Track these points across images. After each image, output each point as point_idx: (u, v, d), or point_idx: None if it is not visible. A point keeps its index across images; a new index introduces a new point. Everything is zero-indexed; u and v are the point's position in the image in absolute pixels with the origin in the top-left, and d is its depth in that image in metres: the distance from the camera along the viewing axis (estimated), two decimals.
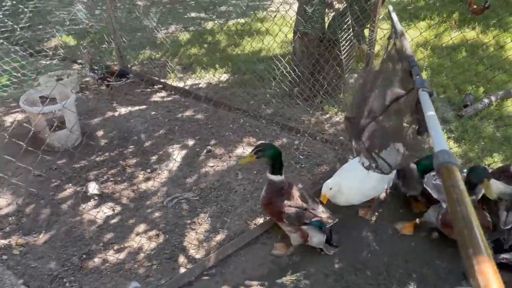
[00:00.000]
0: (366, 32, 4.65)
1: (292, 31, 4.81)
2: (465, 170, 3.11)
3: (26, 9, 5.82)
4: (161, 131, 4.54)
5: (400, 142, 2.09)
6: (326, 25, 4.71)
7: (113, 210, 3.48)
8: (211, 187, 3.72)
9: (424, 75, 5.71)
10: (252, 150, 2.73)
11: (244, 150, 4.12)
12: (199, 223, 3.34)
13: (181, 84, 5.62)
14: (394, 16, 2.25)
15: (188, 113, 4.94)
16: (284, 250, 3.09)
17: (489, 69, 5.76)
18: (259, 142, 2.67)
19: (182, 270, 2.91)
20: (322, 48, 4.44)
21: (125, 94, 5.33)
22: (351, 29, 3.76)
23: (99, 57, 6.39)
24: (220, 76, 5.81)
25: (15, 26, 5.19)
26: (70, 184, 3.76)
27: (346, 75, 4.27)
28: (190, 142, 4.36)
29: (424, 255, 3.08)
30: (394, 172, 3.34)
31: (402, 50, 2.00)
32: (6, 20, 5.13)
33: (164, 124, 4.67)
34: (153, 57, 6.43)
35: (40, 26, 7.22)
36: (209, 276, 2.91)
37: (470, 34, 6.67)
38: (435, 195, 3.10)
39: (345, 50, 3.99)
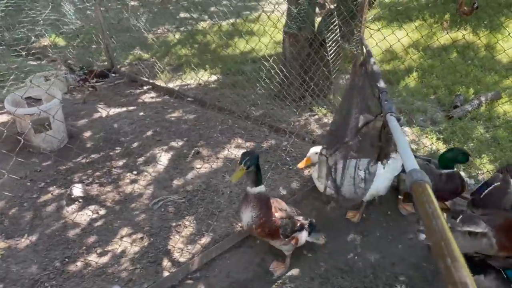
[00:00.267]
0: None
1: (282, 32, 4.78)
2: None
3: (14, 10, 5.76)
4: (148, 133, 4.50)
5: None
6: (316, 26, 4.69)
7: (98, 213, 3.42)
8: (198, 189, 3.67)
9: (414, 75, 5.70)
10: (240, 162, 2.42)
11: (232, 152, 4.09)
12: (184, 226, 3.30)
13: (170, 85, 5.58)
14: (364, 41, 2.28)
15: (176, 114, 4.90)
16: (283, 266, 2.96)
17: (479, 70, 5.76)
18: (242, 152, 2.52)
19: (166, 274, 2.87)
20: (311, 49, 4.41)
21: (113, 95, 5.28)
22: (338, 30, 3.73)
23: (88, 57, 6.34)
24: (210, 76, 5.77)
25: (2, 27, 5.13)
26: (55, 187, 3.71)
27: (333, 76, 4.25)
28: (178, 144, 4.31)
29: (411, 257, 3.05)
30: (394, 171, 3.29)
31: (373, 76, 2.03)
32: None
33: (152, 125, 4.62)
34: (142, 57, 6.38)
35: (30, 27, 7.16)
36: (193, 280, 2.87)
37: (461, 35, 6.66)
38: None
39: (332, 51, 3.96)
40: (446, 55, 6.16)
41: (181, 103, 5.07)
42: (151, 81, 5.62)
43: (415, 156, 3.19)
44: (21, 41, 6.24)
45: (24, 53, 5.93)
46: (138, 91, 5.51)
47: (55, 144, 4.19)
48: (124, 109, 4.98)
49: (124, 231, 3.24)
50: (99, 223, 3.32)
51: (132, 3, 8.95)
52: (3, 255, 3.02)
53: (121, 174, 3.88)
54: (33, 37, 6.80)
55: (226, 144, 4.27)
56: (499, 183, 2.82)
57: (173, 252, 3.06)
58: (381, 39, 3.68)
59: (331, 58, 3.98)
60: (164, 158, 4.06)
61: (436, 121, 4.73)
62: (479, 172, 3.84)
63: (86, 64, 5.43)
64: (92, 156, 4.12)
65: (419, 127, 4.61)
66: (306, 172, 3.91)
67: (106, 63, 6.02)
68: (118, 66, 6.05)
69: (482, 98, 4.95)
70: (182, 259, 3.00)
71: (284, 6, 4.68)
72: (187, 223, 3.32)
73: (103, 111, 4.88)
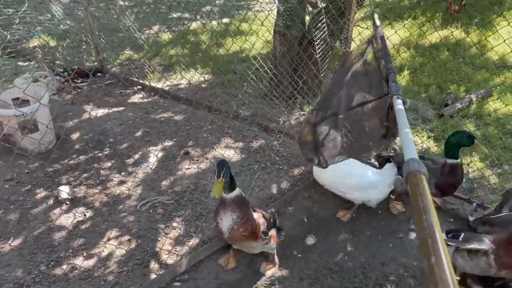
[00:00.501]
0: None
1: (273, 30, 4.75)
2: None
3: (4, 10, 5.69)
4: (137, 133, 4.45)
5: (370, 141, 2.08)
6: (307, 24, 4.66)
7: (85, 215, 3.38)
8: (187, 190, 3.64)
9: (405, 74, 5.69)
10: (219, 175, 2.33)
11: (222, 152, 4.05)
12: (172, 227, 3.26)
13: (160, 85, 5.54)
14: (376, 19, 2.21)
15: (166, 114, 4.85)
16: (273, 265, 2.93)
17: (470, 67, 5.76)
18: (217, 163, 2.44)
19: (153, 276, 2.83)
20: (300, 48, 4.38)
21: (103, 95, 5.23)
22: (326, 28, 3.71)
23: (78, 58, 6.28)
24: (201, 76, 5.74)
25: None
26: (42, 189, 3.66)
27: (322, 75, 4.22)
28: (167, 144, 4.27)
29: (401, 257, 3.03)
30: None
31: (380, 55, 1.98)
32: None
33: (141, 126, 4.58)
34: (133, 57, 6.33)
35: (20, 27, 7.08)
36: (181, 282, 2.83)
37: (451, 32, 6.66)
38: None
39: (320, 49, 3.93)
40: (437, 53, 6.15)
41: (171, 103, 5.03)
42: (141, 81, 5.57)
43: None
44: (10, 43, 6.19)
45: (13, 55, 5.89)
46: (128, 91, 5.46)
47: (42, 146, 4.14)
48: (113, 109, 4.94)
49: (111, 233, 3.19)
50: (86, 225, 3.28)
51: (122, 2, 8.90)
52: None
53: (109, 175, 3.83)
54: (11, 38, 6.74)
55: (215, 144, 4.24)
56: None
57: (160, 254, 3.02)
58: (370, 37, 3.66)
59: (320, 57, 3.95)
60: (153, 159, 4.02)
61: (427, 119, 4.72)
62: (470, 170, 3.83)
63: (71, 65, 5.36)
64: (80, 157, 4.07)
65: (410, 126, 4.59)
66: (296, 171, 3.88)
67: (96, 63, 5.96)
68: (108, 66, 5.99)
69: (473, 96, 4.94)
70: (170, 261, 2.96)
71: (275, 5, 4.65)
72: (175, 224, 3.29)
73: (92, 112, 4.83)
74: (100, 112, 4.85)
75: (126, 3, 9.23)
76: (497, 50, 4.70)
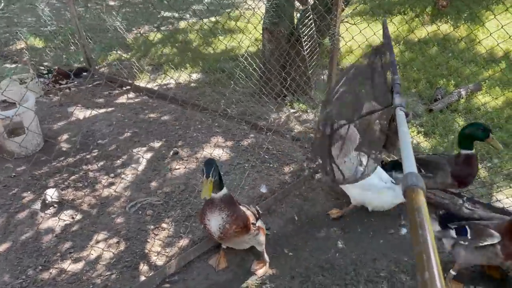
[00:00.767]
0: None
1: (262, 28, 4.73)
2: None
3: None
4: (126, 134, 4.41)
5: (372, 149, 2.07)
6: (295, 21, 4.64)
7: (73, 218, 3.33)
8: (176, 190, 3.60)
9: None
10: (208, 175, 2.29)
11: (211, 151, 4.02)
12: (162, 228, 3.22)
13: (150, 85, 5.49)
14: (387, 28, 2.19)
15: (155, 114, 4.81)
16: (263, 264, 2.91)
17: (460, 62, 5.77)
18: (204, 162, 2.41)
19: (142, 278, 2.79)
20: (287, 45, 4.36)
21: (91, 96, 5.18)
22: (313, 25, 3.68)
23: (66, 59, 6.21)
24: (190, 75, 5.70)
25: None
26: (29, 192, 3.61)
27: (310, 71, 4.20)
28: (156, 145, 4.24)
29: (392, 253, 3.02)
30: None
31: (387, 65, 1.96)
32: None
33: (130, 127, 4.53)
34: (122, 57, 6.27)
35: (7, 29, 7.00)
36: (171, 284, 2.80)
37: (442, 27, 6.68)
38: None
39: (308, 46, 3.91)
40: (426, 48, 6.16)
41: (161, 103, 4.99)
42: (130, 81, 5.52)
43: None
44: None
45: None
46: (116, 92, 5.40)
47: (30, 149, 4.09)
48: (102, 110, 4.89)
49: (100, 236, 3.15)
50: (74, 228, 3.23)
51: (112, 3, 8.83)
52: None
53: (97, 177, 3.79)
54: (10, 41, 6.66)
55: (204, 144, 4.21)
56: None
57: (150, 255, 2.99)
58: (362, 33, 3.63)
59: (308, 53, 3.93)
60: (142, 160, 3.98)
61: (417, 115, 4.72)
62: None
63: (52, 66, 5.28)
64: (68, 159, 4.02)
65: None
66: (286, 169, 3.86)
67: (84, 64, 5.89)
68: (97, 67, 5.93)
69: (462, 91, 4.95)
70: (159, 263, 2.93)
71: (262, 2, 4.62)
72: (164, 225, 3.25)
73: (80, 113, 4.78)
74: (88, 113, 4.80)
75: (116, 3, 9.16)
76: (485, 44, 4.71)
